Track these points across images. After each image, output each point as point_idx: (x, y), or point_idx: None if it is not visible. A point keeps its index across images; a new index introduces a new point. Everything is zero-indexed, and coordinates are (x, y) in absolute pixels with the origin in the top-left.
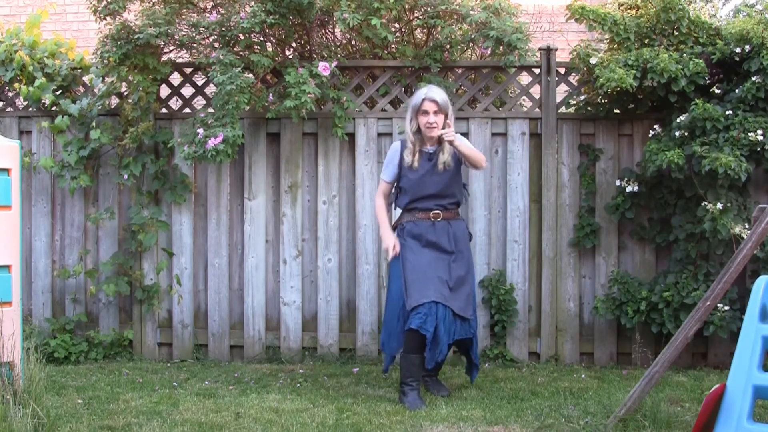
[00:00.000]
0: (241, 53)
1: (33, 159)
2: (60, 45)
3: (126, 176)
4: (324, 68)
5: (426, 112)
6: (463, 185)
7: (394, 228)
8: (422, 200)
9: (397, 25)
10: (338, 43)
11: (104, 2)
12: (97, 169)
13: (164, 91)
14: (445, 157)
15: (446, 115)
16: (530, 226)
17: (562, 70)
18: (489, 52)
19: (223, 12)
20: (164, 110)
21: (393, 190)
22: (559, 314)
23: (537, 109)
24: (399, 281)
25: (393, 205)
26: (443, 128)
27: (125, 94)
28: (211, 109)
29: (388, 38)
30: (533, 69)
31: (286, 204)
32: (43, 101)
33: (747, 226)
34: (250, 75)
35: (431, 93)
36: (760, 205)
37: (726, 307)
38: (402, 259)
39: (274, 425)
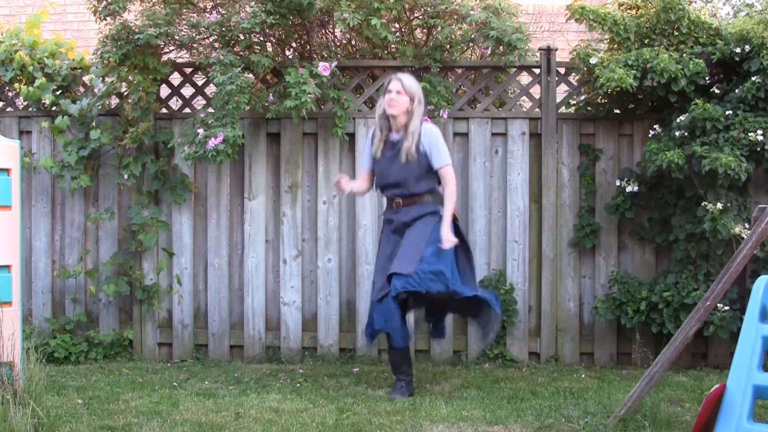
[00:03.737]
0: (241, 53)
1: (33, 159)
2: (60, 45)
3: (126, 176)
4: (324, 68)
5: (389, 90)
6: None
7: None
8: (386, 189)
9: (397, 25)
10: (338, 43)
11: (104, 3)
12: (97, 169)
13: (164, 91)
14: (408, 144)
15: (412, 99)
16: (530, 226)
17: (562, 70)
18: (489, 52)
19: (223, 12)
20: (164, 110)
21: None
22: (559, 314)
23: (537, 109)
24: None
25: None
26: (409, 116)
27: (125, 94)
28: (211, 109)
29: (388, 38)
30: (533, 69)
31: (286, 204)
32: (43, 101)
33: (747, 226)
34: (250, 75)
35: (400, 75)
36: (760, 205)
37: (726, 307)
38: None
39: (274, 425)
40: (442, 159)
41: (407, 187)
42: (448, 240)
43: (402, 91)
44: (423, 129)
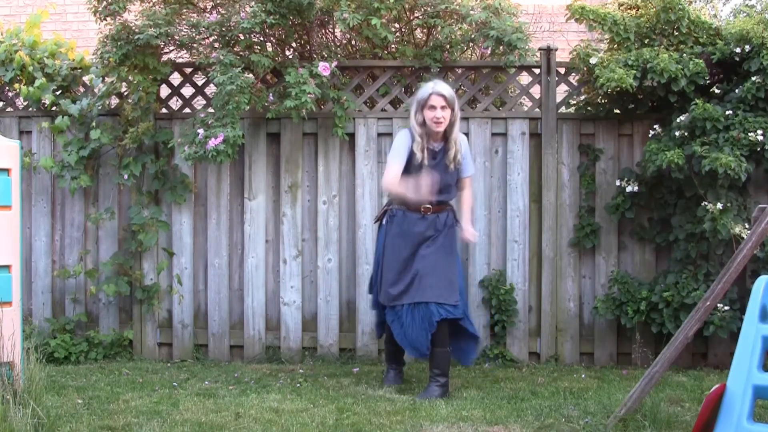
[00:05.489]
0: (241, 53)
1: (33, 159)
2: (60, 45)
3: (126, 176)
4: (324, 68)
5: (433, 107)
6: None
7: (384, 212)
8: None
9: (397, 25)
10: (338, 43)
11: (104, 3)
12: (97, 169)
13: (164, 91)
14: (452, 153)
15: (453, 110)
16: (530, 226)
17: (562, 70)
18: (489, 52)
19: (223, 12)
20: (164, 110)
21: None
22: (559, 314)
23: (537, 109)
24: (378, 262)
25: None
26: (450, 126)
27: (125, 94)
28: (211, 109)
29: (388, 38)
30: (533, 69)
31: (286, 204)
32: (43, 101)
33: (747, 226)
34: (251, 75)
35: (438, 87)
36: (760, 205)
37: (726, 307)
38: (383, 247)
39: (274, 425)
40: (471, 168)
41: (448, 195)
42: (473, 234)
43: (446, 106)
44: (460, 139)
